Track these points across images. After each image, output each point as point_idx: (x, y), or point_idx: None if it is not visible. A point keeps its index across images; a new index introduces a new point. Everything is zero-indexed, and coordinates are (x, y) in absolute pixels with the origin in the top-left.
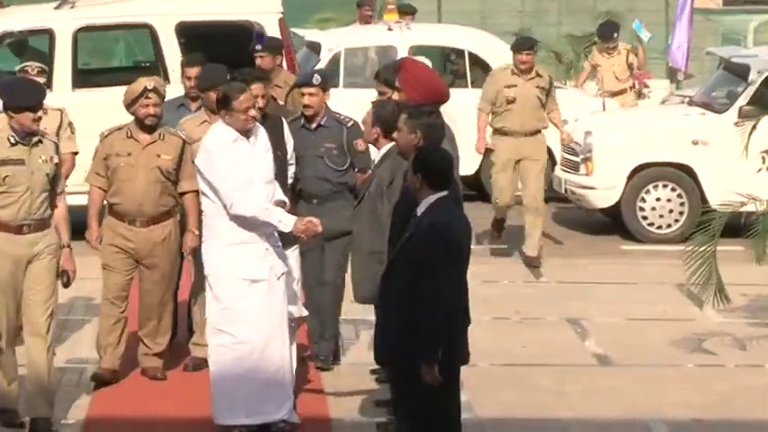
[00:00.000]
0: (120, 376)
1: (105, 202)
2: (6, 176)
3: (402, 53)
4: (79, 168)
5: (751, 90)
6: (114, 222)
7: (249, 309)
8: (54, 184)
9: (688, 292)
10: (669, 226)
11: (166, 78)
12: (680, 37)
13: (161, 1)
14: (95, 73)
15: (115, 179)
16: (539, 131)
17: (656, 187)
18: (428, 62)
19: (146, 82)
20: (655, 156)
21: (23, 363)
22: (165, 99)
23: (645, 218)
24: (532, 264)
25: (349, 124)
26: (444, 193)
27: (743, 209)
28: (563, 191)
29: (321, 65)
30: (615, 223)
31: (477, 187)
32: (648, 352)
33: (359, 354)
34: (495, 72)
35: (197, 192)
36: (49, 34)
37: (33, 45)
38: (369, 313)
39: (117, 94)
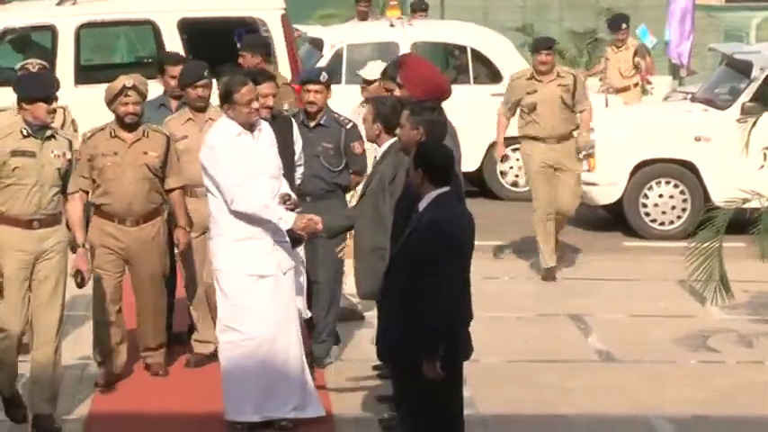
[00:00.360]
0: (122, 374)
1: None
2: (16, 168)
3: (404, 49)
4: None
5: (754, 86)
6: (103, 222)
7: (256, 305)
8: (66, 180)
9: (690, 289)
10: (672, 222)
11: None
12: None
13: None
14: (98, 69)
15: (102, 179)
16: (570, 134)
17: (658, 184)
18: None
19: (125, 80)
20: (657, 152)
21: (25, 359)
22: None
23: (647, 214)
24: (548, 278)
25: (348, 126)
26: (446, 188)
27: (746, 205)
28: None
29: (323, 61)
30: (617, 220)
31: (480, 183)
32: (651, 348)
33: (361, 350)
34: (513, 80)
35: (183, 188)
36: (51, 31)
37: (35, 42)
38: (369, 309)
39: None
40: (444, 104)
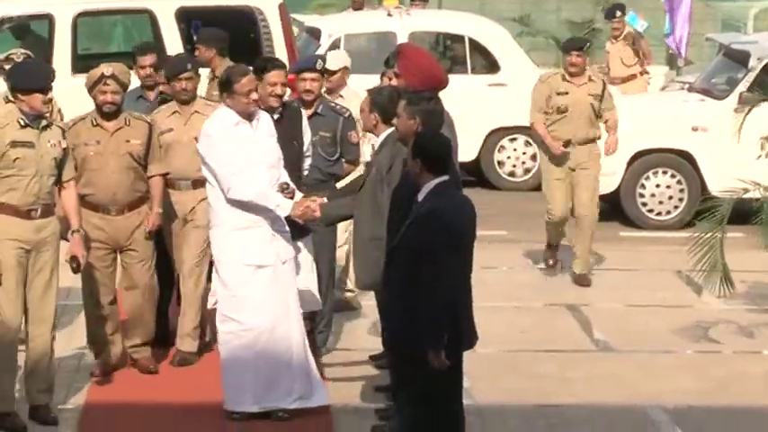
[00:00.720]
0: (118, 364)
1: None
2: (17, 158)
3: (402, 39)
4: None
5: (751, 76)
6: (88, 214)
7: (255, 295)
8: (61, 169)
9: (687, 279)
10: (669, 212)
11: None
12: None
13: None
14: (95, 58)
15: (85, 169)
16: (593, 141)
17: (655, 174)
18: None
19: (104, 68)
20: (654, 142)
21: (22, 348)
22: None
23: (644, 204)
24: (582, 283)
25: (346, 114)
26: (445, 177)
27: (744, 195)
28: None
29: (321, 50)
30: (614, 210)
31: (477, 173)
32: (648, 338)
33: (357, 340)
34: (544, 78)
35: (163, 175)
36: (48, 19)
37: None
38: (367, 299)
39: None
40: (442, 94)
